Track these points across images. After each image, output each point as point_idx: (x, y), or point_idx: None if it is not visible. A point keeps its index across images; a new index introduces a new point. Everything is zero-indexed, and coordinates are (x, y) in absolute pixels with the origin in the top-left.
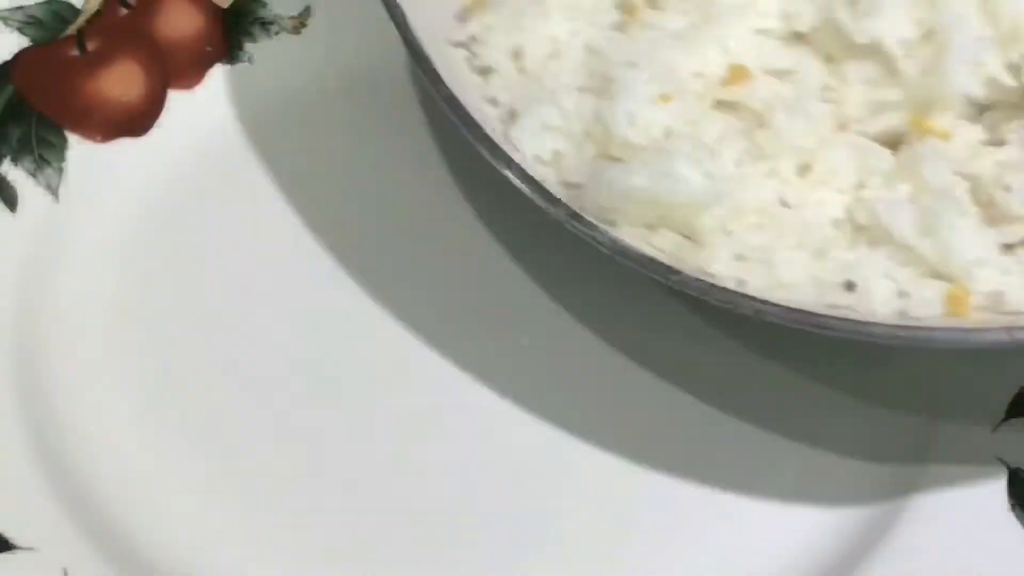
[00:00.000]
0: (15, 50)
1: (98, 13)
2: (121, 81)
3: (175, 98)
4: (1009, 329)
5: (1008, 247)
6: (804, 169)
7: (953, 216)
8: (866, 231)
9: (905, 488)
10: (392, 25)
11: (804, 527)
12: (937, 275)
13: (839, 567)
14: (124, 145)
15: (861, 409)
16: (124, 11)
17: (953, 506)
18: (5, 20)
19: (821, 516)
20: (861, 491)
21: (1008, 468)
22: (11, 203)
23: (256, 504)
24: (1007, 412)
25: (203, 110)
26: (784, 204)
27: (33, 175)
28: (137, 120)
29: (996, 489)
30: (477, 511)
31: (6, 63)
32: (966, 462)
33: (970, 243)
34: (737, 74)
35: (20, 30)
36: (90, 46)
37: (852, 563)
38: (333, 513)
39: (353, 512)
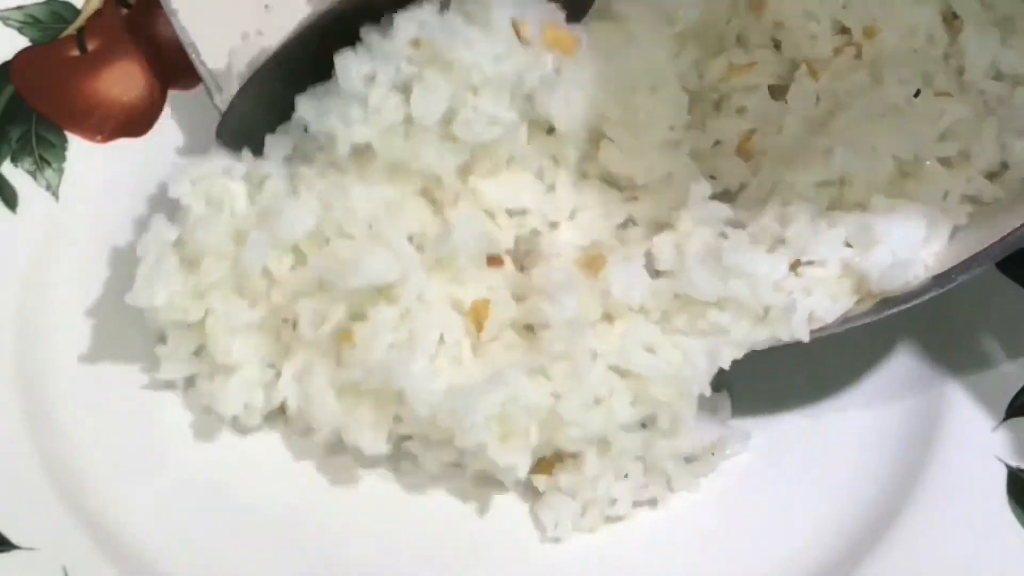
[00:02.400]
0: (15, 50)
1: (98, 13)
2: (121, 81)
3: (175, 98)
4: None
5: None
6: (608, 316)
7: (744, 250)
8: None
9: (905, 488)
10: None
11: (805, 528)
12: (759, 317)
13: (839, 566)
14: (124, 145)
15: (861, 410)
16: (124, 11)
17: (953, 506)
18: (5, 20)
19: (821, 516)
20: (861, 491)
21: (1008, 468)
22: (11, 203)
23: (255, 505)
24: (1007, 412)
25: (202, 110)
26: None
27: (33, 175)
28: (137, 120)
29: (995, 489)
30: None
31: (6, 63)
32: (966, 462)
33: (768, 265)
34: (480, 311)
35: (20, 30)
36: (90, 46)
37: (852, 562)
38: (331, 519)
39: (353, 523)
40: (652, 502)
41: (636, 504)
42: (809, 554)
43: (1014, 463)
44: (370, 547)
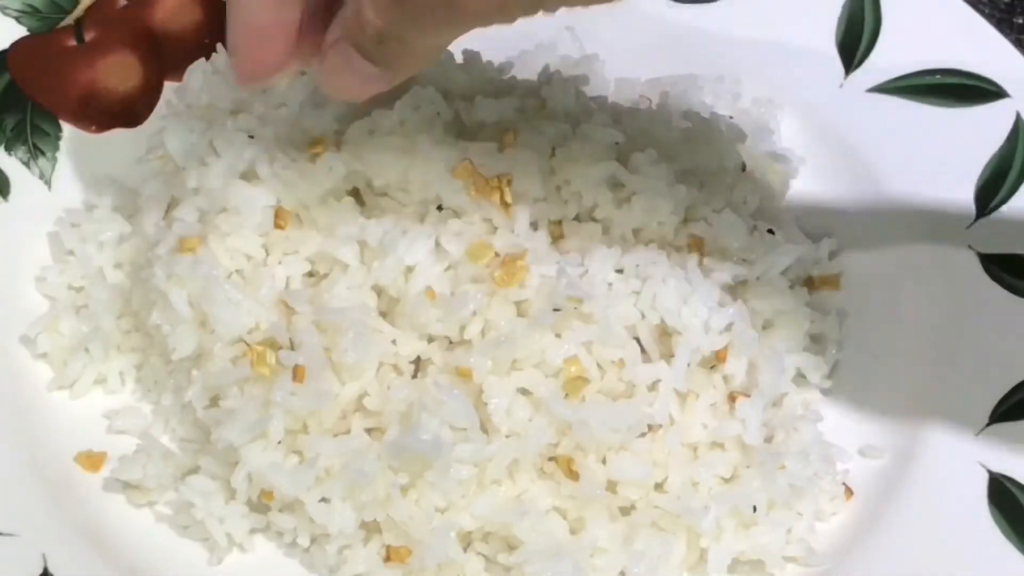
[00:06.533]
0: (12, 39)
1: (96, 3)
2: (117, 72)
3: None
4: None
5: None
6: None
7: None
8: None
9: (887, 491)
10: None
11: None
12: None
13: (821, 568)
14: (118, 136)
15: (846, 413)
16: (122, 1)
17: (934, 510)
18: (3, 9)
19: (804, 518)
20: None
21: (989, 473)
22: (3, 191)
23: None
24: (990, 418)
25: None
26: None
27: (26, 164)
28: (132, 111)
29: (977, 494)
30: None
31: (3, 52)
32: (949, 467)
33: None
34: None
35: (18, 19)
36: (87, 36)
37: (833, 564)
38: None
39: None
40: None
41: None
42: (793, 555)
43: (996, 469)
44: None
